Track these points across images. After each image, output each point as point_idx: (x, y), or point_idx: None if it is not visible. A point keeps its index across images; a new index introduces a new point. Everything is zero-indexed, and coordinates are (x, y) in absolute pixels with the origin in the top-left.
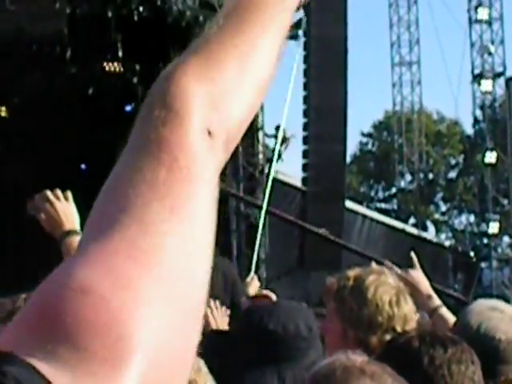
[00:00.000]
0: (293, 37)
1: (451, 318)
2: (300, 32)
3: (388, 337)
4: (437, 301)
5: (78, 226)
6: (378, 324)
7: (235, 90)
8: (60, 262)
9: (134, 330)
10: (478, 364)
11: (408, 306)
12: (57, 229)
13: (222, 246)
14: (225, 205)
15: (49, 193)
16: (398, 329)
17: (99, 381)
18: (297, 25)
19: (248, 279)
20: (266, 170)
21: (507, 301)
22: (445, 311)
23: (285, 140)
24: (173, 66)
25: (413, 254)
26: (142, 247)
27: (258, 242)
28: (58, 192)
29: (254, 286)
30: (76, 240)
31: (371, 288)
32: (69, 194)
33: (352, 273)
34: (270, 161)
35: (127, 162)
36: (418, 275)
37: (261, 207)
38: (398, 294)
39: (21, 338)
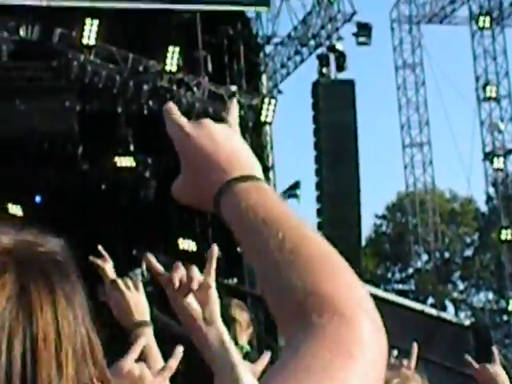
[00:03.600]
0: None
1: None
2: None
3: None
4: None
5: (147, 317)
6: None
7: None
8: None
9: None
10: None
11: None
12: (126, 319)
13: None
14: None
15: (119, 281)
16: None
17: None
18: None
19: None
20: None
21: None
22: None
23: None
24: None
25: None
26: None
27: None
28: (129, 281)
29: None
30: (145, 331)
31: None
32: (139, 283)
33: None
34: None
35: (304, 353)
36: (496, 370)
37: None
38: None
39: None
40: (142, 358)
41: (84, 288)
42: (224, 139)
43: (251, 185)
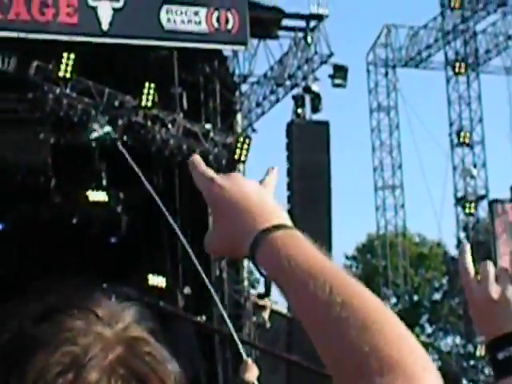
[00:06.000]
0: None
1: None
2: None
3: None
4: None
5: None
6: None
7: None
8: None
9: None
10: None
11: None
12: None
13: (208, 374)
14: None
15: None
16: None
17: None
18: None
19: (244, 365)
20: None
21: None
22: None
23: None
24: None
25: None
26: None
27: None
28: None
29: (253, 372)
30: None
31: None
32: None
33: None
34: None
35: None
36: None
37: (245, 342)
38: None
39: None
40: None
41: None
42: (253, 191)
43: (285, 233)
